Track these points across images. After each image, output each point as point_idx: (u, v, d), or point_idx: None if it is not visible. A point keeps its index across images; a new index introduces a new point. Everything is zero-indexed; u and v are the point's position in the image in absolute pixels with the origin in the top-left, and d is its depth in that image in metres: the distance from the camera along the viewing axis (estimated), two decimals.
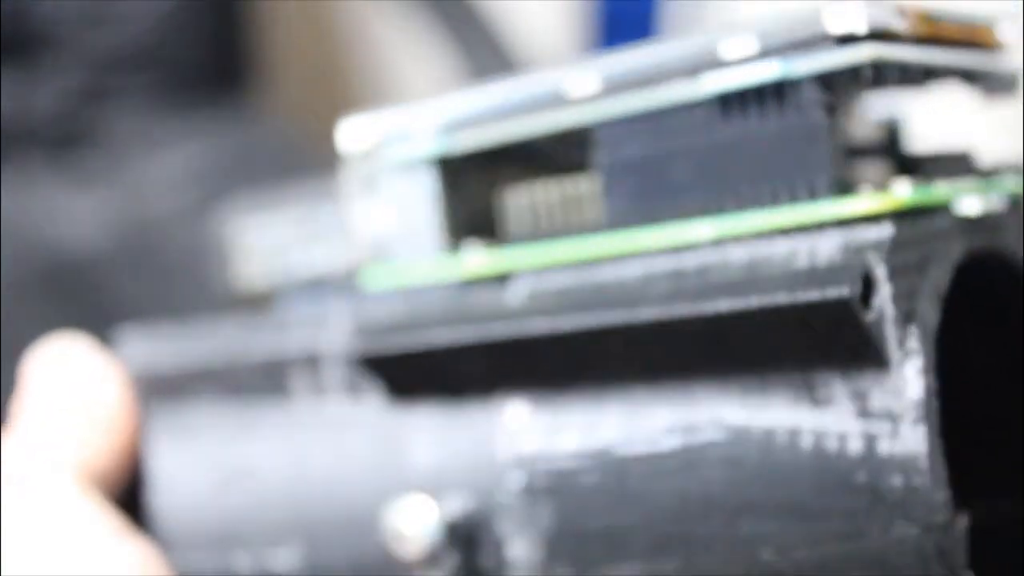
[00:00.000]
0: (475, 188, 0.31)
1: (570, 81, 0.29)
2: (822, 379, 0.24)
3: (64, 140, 0.86)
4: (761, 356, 0.25)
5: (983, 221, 0.27)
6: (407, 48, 1.13)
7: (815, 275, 0.24)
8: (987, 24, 0.30)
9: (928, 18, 0.27)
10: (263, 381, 0.31)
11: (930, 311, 0.25)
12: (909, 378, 0.24)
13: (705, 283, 0.25)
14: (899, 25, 0.26)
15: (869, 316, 0.24)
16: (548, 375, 0.27)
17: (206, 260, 0.86)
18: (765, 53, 0.26)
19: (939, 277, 0.25)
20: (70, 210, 0.85)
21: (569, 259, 0.28)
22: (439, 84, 1.07)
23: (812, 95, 0.26)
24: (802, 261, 0.25)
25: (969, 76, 0.29)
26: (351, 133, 0.32)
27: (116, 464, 0.32)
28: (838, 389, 0.24)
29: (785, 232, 0.26)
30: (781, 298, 0.24)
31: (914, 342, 0.24)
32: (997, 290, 0.27)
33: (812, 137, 0.26)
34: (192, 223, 0.86)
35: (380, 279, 0.31)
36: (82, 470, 0.31)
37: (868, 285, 0.24)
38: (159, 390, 0.33)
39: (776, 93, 0.26)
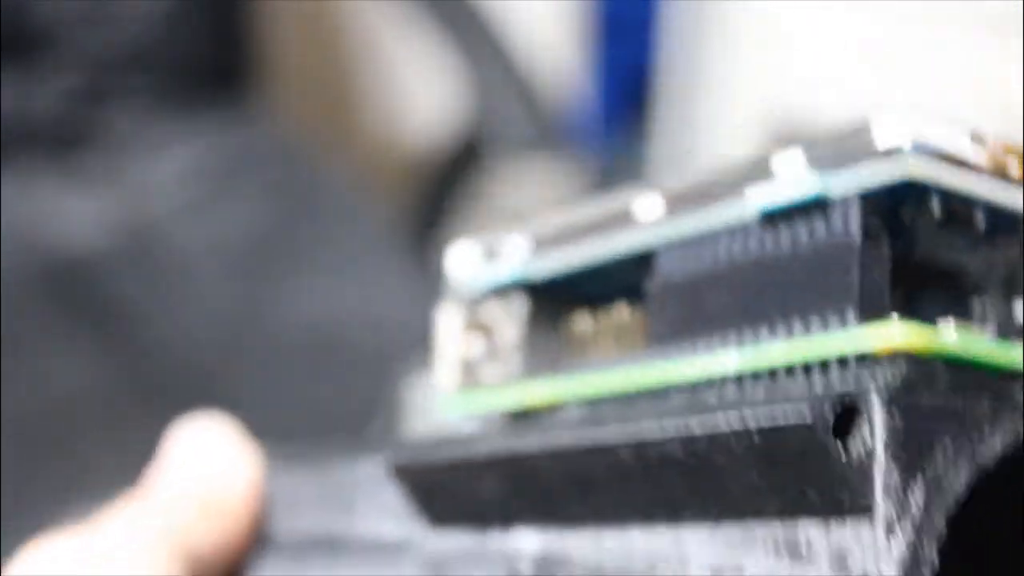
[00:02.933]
0: (556, 314, 0.30)
1: (638, 203, 0.28)
2: (803, 530, 0.22)
3: (64, 140, 0.86)
4: (745, 499, 0.23)
5: None
6: (407, 48, 1.13)
7: (794, 403, 0.22)
8: None
9: (1016, 153, 0.25)
10: (336, 500, 0.32)
11: (952, 472, 0.22)
12: (898, 540, 0.21)
13: (709, 413, 0.23)
14: (968, 152, 0.24)
15: (845, 455, 0.21)
16: (549, 504, 0.26)
17: (205, 260, 0.86)
18: (812, 166, 0.24)
19: (983, 443, 0.22)
20: (70, 210, 0.85)
21: (608, 391, 0.27)
22: (439, 84, 1.07)
23: (847, 213, 0.24)
24: (798, 391, 0.23)
25: None
26: (457, 255, 0.31)
27: (219, 552, 0.32)
28: (819, 543, 0.22)
29: (808, 364, 0.24)
30: (744, 421, 0.22)
31: (917, 500, 0.22)
32: None
33: (844, 260, 0.24)
34: (192, 223, 0.86)
35: (458, 406, 0.31)
36: (180, 549, 0.31)
37: (846, 417, 0.22)
38: None
39: (818, 210, 0.24)
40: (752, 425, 0.22)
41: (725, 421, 0.22)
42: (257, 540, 0.33)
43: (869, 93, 1.03)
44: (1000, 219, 0.25)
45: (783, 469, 0.22)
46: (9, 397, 0.76)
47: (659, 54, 1.15)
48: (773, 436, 0.22)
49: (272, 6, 1.06)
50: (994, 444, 0.23)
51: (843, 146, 0.24)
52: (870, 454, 0.21)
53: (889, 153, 0.23)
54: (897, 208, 0.24)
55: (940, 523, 0.22)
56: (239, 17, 0.98)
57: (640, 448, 0.24)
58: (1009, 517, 0.25)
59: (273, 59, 1.05)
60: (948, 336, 0.23)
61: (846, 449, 0.21)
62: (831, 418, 0.21)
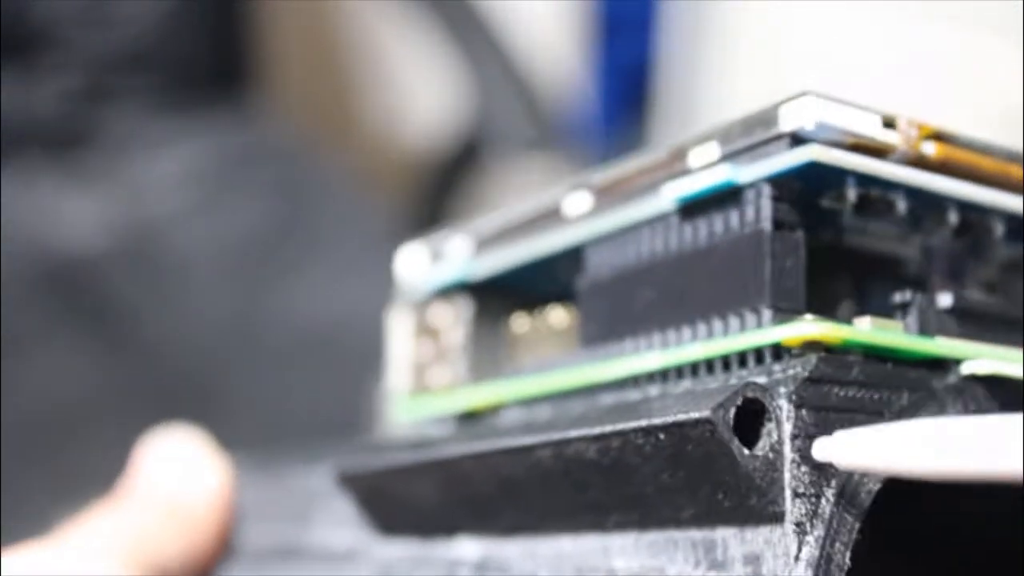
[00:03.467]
0: (498, 316, 0.30)
1: (567, 199, 0.27)
2: (719, 534, 0.22)
3: (64, 140, 0.86)
4: (662, 504, 0.22)
5: (987, 387, 0.23)
6: (407, 48, 1.13)
7: (699, 400, 0.21)
8: None
9: (939, 137, 0.24)
10: (295, 509, 0.32)
11: (855, 477, 0.21)
12: (807, 543, 0.20)
13: (621, 412, 0.23)
14: (879, 134, 0.23)
15: (751, 455, 0.21)
16: (486, 512, 0.26)
17: (205, 260, 0.86)
18: (725, 156, 0.24)
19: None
20: (70, 210, 0.85)
21: (543, 392, 0.27)
22: (439, 84, 1.07)
23: (758, 201, 0.23)
24: (710, 388, 0.22)
25: (979, 225, 0.25)
26: (406, 258, 0.32)
27: (185, 562, 0.33)
28: (734, 548, 0.21)
29: (727, 358, 0.23)
30: (649, 420, 0.21)
31: (828, 500, 0.21)
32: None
33: (756, 249, 0.23)
34: (192, 223, 0.86)
35: (410, 410, 0.31)
36: (144, 559, 0.32)
37: (751, 415, 0.21)
38: None
39: (731, 200, 0.24)
40: (657, 422, 0.21)
41: (631, 420, 0.22)
42: (225, 550, 0.33)
43: (869, 93, 1.03)
44: (921, 205, 0.24)
45: (692, 471, 0.21)
46: (9, 397, 0.76)
47: (659, 54, 1.15)
48: (677, 435, 0.21)
49: (272, 6, 1.06)
50: None
51: (753, 132, 0.23)
52: (777, 452, 0.21)
53: (794, 136, 0.23)
54: (810, 195, 0.23)
55: (853, 524, 0.21)
56: (239, 17, 0.98)
57: (556, 449, 0.23)
58: (931, 513, 0.25)
59: (273, 59, 1.05)
60: (862, 328, 0.23)
61: (751, 448, 0.21)
62: (731, 415, 0.21)
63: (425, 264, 0.31)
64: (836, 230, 0.24)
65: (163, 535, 0.32)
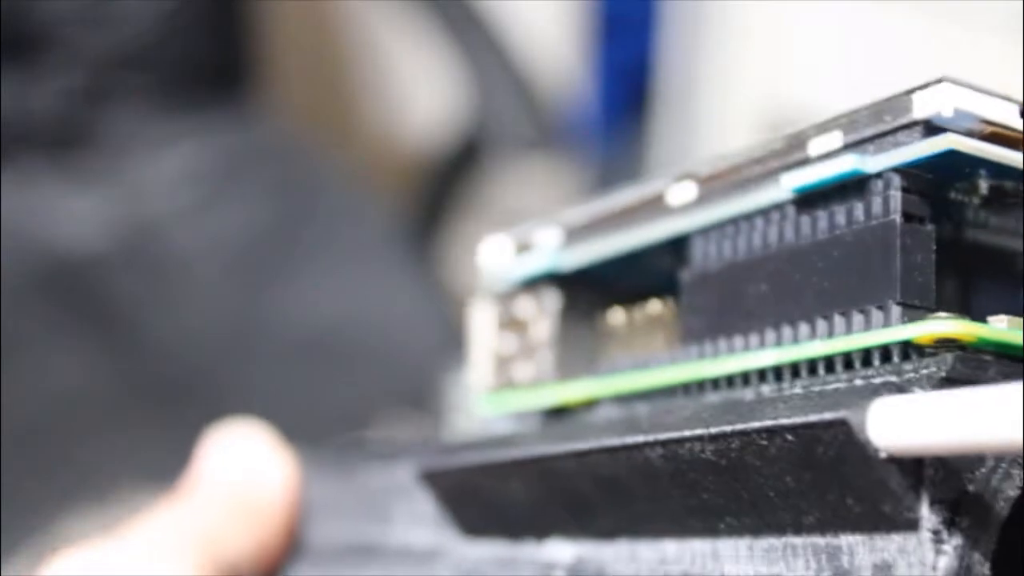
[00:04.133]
0: (590, 309, 0.29)
1: (671, 188, 0.26)
2: (845, 541, 0.21)
3: (64, 140, 0.86)
4: (782, 508, 0.21)
5: None
6: (407, 48, 1.13)
7: (830, 402, 0.20)
8: None
9: None
10: (372, 508, 0.31)
11: (1006, 477, 0.20)
12: (944, 552, 0.19)
13: (741, 411, 0.22)
14: (1018, 124, 0.22)
15: (886, 460, 0.19)
16: (582, 513, 0.25)
17: (205, 260, 0.86)
18: (849, 145, 0.23)
19: None
20: (70, 210, 0.85)
21: (642, 389, 0.26)
22: (439, 84, 1.07)
23: (887, 192, 0.22)
24: (837, 385, 0.21)
25: None
26: (490, 249, 0.30)
27: (252, 558, 0.32)
28: (861, 556, 0.20)
29: (850, 355, 0.22)
30: (777, 419, 0.21)
31: (967, 509, 0.20)
32: None
33: (884, 242, 0.22)
34: (192, 223, 0.86)
35: (493, 406, 0.30)
36: (212, 556, 0.31)
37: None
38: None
39: (855, 190, 0.22)
40: (785, 423, 0.20)
41: (756, 419, 0.21)
42: (293, 546, 0.33)
43: (870, 94, 1.03)
44: None
45: (820, 474, 0.20)
46: (9, 397, 0.75)
47: (659, 54, 1.15)
48: (807, 436, 0.20)
49: (272, 6, 1.06)
50: None
51: (883, 120, 0.22)
52: (915, 458, 0.20)
53: (928, 124, 0.22)
54: (939, 186, 0.22)
55: (992, 534, 0.20)
56: (239, 17, 0.98)
57: (669, 449, 0.22)
58: None
59: (273, 59, 1.05)
60: (998, 326, 0.22)
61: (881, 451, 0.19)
62: (862, 417, 0.20)
63: (510, 255, 0.30)
64: (960, 224, 0.23)
65: (231, 531, 0.32)
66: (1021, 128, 0.22)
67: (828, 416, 0.20)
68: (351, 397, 0.79)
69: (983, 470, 0.20)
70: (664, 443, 0.22)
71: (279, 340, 0.83)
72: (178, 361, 0.82)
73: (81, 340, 0.81)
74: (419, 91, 1.19)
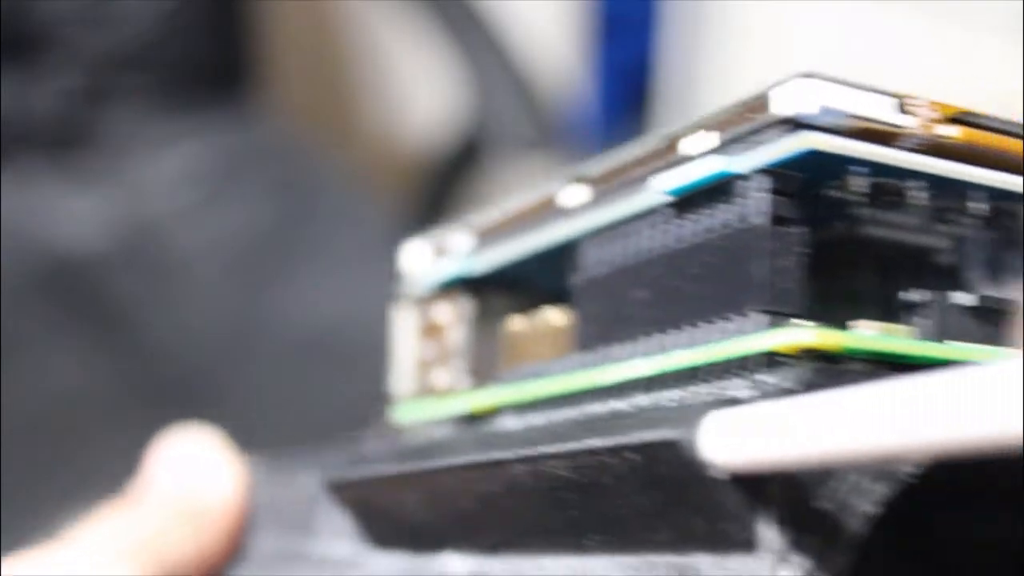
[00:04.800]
0: (498, 315, 0.28)
1: (563, 190, 0.25)
2: (696, 560, 0.20)
3: (64, 140, 0.86)
4: (639, 526, 0.21)
5: None
6: (407, 48, 1.13)
7: (672, 418, 0.19)
8: None
9: (962, 120, 0.21)
10: (301, 516, 0.31)
11: (860, 492, 0.19)
12: (788, 573, 0.18)
13: (595, 427, 0.21)
14: (896, 120, 0.21)
15: (723, 481, 0.18)
16: (470, 528, 0.25)
17: (205, 260, 0.86)
18: (719, 145, 0.22)
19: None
20: (70, 210, 0.85)
21: (537, 397, 0.25)
22: (439, 84, 1.07)
23: (754, 194, 0.21)
24: (686, 404, 0.21)
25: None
26: (410, 253, 0.30)
27: (196, 563, 0.32)
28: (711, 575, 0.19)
29: (718, 367, 0.21)
30: (617, 440, 0.20)
31: (815, 527, 0.19)
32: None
33: (751, 246, 0.21)
34: (192, 223, 0.86)
35: (414, 412, 0.29)
36: (155, 560, 0.31)
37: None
38: None
39: (724, 193, 0.21)
40: (624, 442, 0.20)
41: (601, 437, 0.20)
42: (238, 553, 0.33)
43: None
44: (945, 193, 0.22)
45: (665, 493, 0.20)
46: (9, 397, 0.76)
47: (659, 54, 1.15)
48: (648, 455, 0.19)
49: (272, 6, 1.06)
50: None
51: (747, 118, 0.21)
52: (756, 476, 0.18)
53: (793, 121, 0.20)
54: (815, 185, 0.21)
55: (846, 552, 0.19)
56: (239, 17, 0.98)
57: (529, 465, 0.22)
58: (943, 534, 0.22)
59: (273, 59, 1.05)
60: (865, 333, 0.20)
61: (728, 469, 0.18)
62: (694, 435, 0.18)
63: (428, 260, 0.30)
64: (853, 221, 0.22)
65: (176, 536, 0.32)
66: (897, 123, 0.21)
67: (658, 435, 0.19)
68: (350, 397, 0.79)
69: (833, 485, 0.19)
70: (524, 460, 0.22)
71: (279, 340, 0.83)
72: (178, 361, 0.82)
73: (81, 340, 0.81)
74: (419, 91, 1.19)
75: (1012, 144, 0.22)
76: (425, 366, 0.30)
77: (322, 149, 1.01)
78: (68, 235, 0.84)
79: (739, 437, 0.18)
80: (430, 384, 0.29)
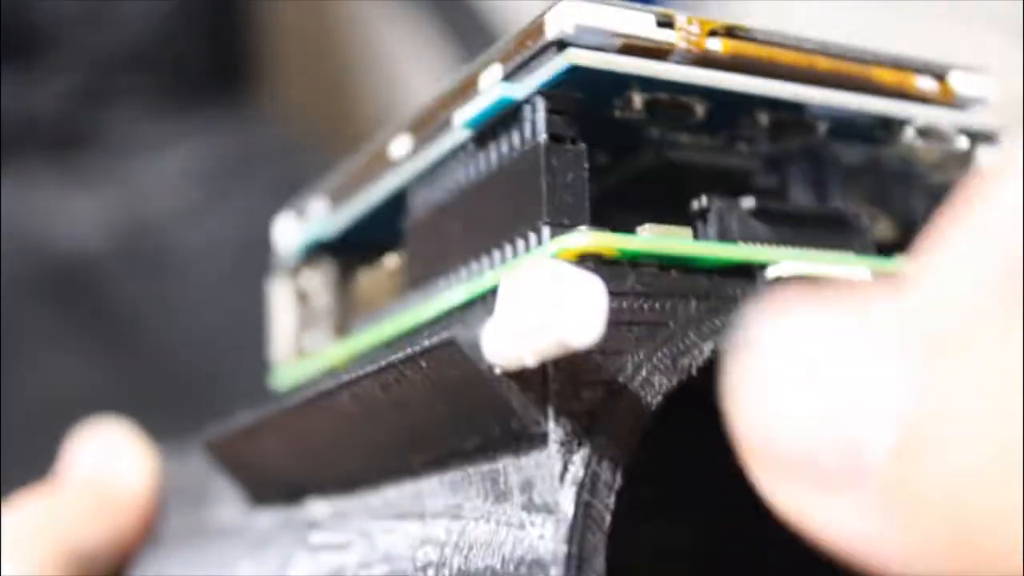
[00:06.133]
0: (353, 272, 0.30)
1: (391, 142, 0.26)
2: (501, 464, 0.20)
3: (64, 140, 0.86)
4: (450, 438, 0.21)
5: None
6: (407, 48, 1.13)
7: (459, 322, 0.20)
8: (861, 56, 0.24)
9: (728, 33, 0.23)
10: (197, 490, 0.32)
11: (644, 385, 0.20)
12: (572, 463, 0.19)
13: (400, 347, 0.22)
14: (657, 36, 0.22)
15: (502, 378, 0.19)
16: (326, 470, 0.25)
17: (205, 260, 0.86)
18: (506, 75, 0.23)
19: (687, 351, 0.20)
20: (70, 210, 0.85)
21: (382, 341, 0.26)
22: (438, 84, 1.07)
23: (534, 115, 0.22)
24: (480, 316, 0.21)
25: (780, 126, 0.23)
26: (280, 225, 0.32)
27: (108, 549, 0.34)
28: (512, 477, 0.20)
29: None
30: (409, 350, 0.20)
31: (594, 417, 0.19)
32: None
33: (533, 164, 0.22)
34: (192, 223, 0.86)
35: (290, 376, 0.31)
36: (66, 547, 0.33)
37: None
38: None
39: (513, 119, 0.22)
40: (416, 350, 0.20)
41: (399, 351, 0.21)
42: (150, 536, 0.34)
43: None
44: (724, 107, 0.23)
45: (459, 399, 0.20)
46: (9, 397, 0.76)
47: None
48: (436, 361, 0.20)
49: (272, 6, 1.06)
50: (701, 349, 0.20)
51: (524, 46, 0.22)
52: (535, 371, 0.19)
53: (559, 43, 0.22)
54: (597, 105, 0.22)
55: (628, 443, 0.19)
56: (239, 17, 0.98)
57: (350, 391, 0.22)
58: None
59: (273, 59, 1.05)
60: (643, 235, 0.21)
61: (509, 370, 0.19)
62: (476, 333, 0.19)
63: (294, 229, 0.31)
64: (648, 143, 0.23)
65: (88, 523, 0.33)
66: (658, 38, 0.22)
67: (440, 339, 0.20)
68: None
69: (620, 379, 0.20)
70: (346, 386, 0.22)
71: None
72: (177, 361, 0.82)
73: (81, 340, 0.81)
74: (419, 91, 1.19)
75: (782, 54, 0.23)
76: (299, 332, 0.31)
77: (322, 149, 1.01)
78: (68, 235, 0.84)
79: (509, 336, 0.19)
80: (304, 348, 0.31)
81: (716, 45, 0.23)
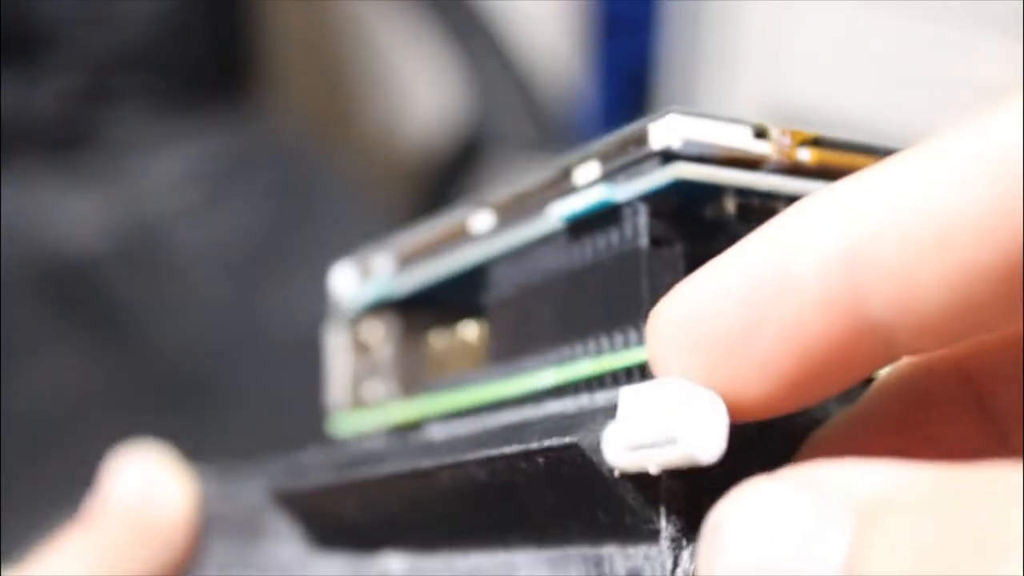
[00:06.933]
0: (423, 331, 0.31)
1: (471, 217, 0.28)
2: (606, 550, 0.22)
3: (64, 140, 0.86)
4: (553, 521, 0.22)
5: None
6: (407, 48, 1.13)
7: (576, 425, 0.21)
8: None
9: (815, 143, 0.24)
10: (250, 523, 0.32)
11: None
12: (683, 558, 0.20)
13: (508, 434, 0.23)
14: (754, 148, 0.23)
15: (620, 479, 0.20)
16: (407, 529, 0.26)
17: (205, 261, 0.86)
18: (605, 175, 0.24)
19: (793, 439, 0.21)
20: (70, 210, 0.85)
21: (457, 408, 0.27)
22: (439, 84, 1.07)
23: (635, 219, 0.23)
24: (587, 411, 0.22)
25: None
26: (339, 275, 0.32)
27: None
28: (618, 564, 0.21)
29: (616, 375, 0.23)
30: (527, 446, 0.21)
31: (703, 513, 0.20)
32: None
33: (634, 266, 0.23)
34: (192, 223, 0.86)
35: (349, 424, 0.32)
36: None
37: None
38: None
39: (612, 219, 0.24)
40: (534, 447, 0.21)
41: (512, 444, 0.22)
42: (192, 564, 0.34)
43: (871, 93, 1.03)
44: None
45: (572, 491, 0.21)
46: (9, 397, 0.76)
47: (659, 54, 1.15)
48: (553, 458, 0.21)
49: (272, 6, 1.06)
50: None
51: (627, 151, 0.24)
52: (658, 476, 0.20)
53: (664, 154, 0.23)
54: (691, 208, 0.23)
55: None
56: (239, 17, 0.98)
57: (453, 472, 0.24)
58: None
59: (273, 59, 1.05)
60: None
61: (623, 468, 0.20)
62: (598, 437, 0.20)
63: (355, 281, 0.32)
64: (732, 238, 0.24)
65: (133, 554, 0.33)
66: (755, 151, 0.23)
67: (563, 440, 0.21)
68: None
69: (720, 478, 0.20)
70: (446, 468, 0.24)
71: (279, 341, 0.84)
72: (177, 361, 0.82)
73: (81, 340, 0.81)
74: (419, 91, 1.19)
75: (862, 161, 0.24)
76: (357, 380, 0.32)
77: (322, 149, 1.01)
78: (68, 235, 0.84)
79: (633, 445, 0.20)
80: (362, 397, 0.31)
81: (805, 155, 0.24)
